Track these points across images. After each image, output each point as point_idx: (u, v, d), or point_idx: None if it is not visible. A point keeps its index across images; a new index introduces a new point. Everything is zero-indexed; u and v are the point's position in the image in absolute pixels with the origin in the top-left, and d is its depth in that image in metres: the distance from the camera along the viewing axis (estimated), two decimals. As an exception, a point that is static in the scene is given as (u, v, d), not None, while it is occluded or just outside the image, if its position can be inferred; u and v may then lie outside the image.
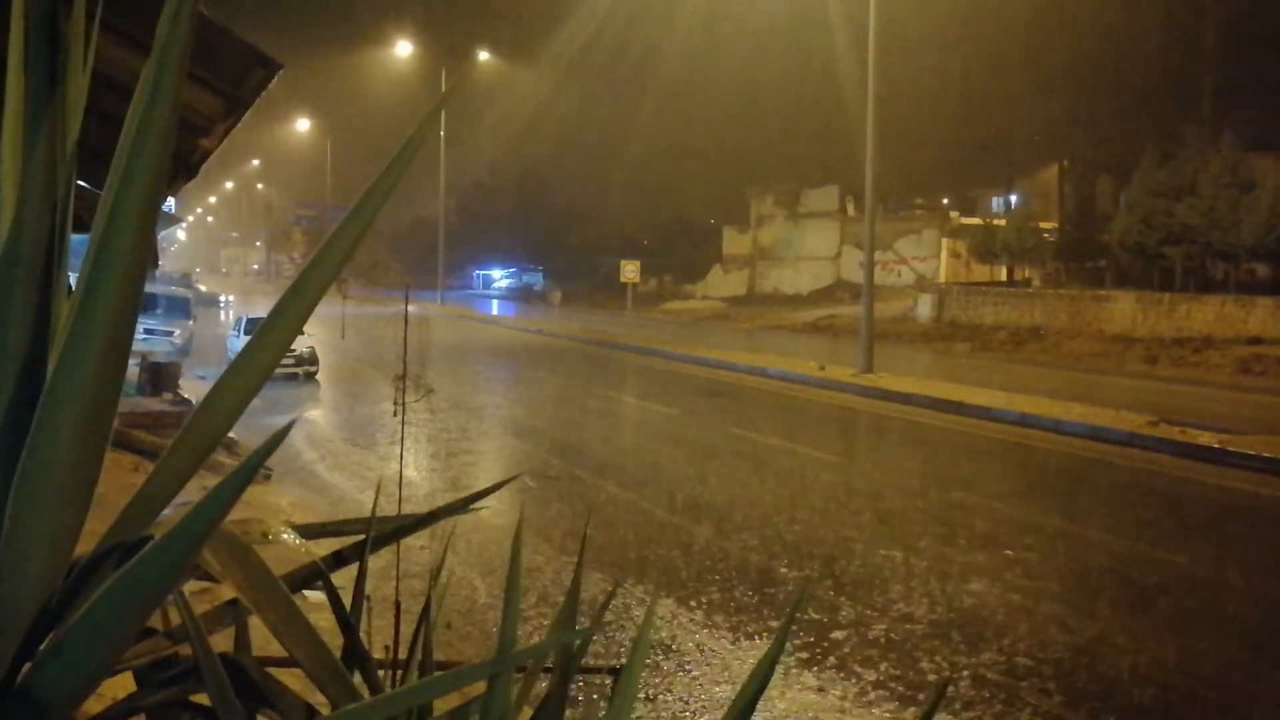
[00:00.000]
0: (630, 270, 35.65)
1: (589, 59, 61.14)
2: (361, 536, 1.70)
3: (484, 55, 55.53)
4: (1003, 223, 42.39)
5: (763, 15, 45.85)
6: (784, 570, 8.62)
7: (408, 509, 8.55)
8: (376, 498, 2.34)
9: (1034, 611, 7.65)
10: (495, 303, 62.85)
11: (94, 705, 1.38)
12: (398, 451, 9.06)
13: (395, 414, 9.39)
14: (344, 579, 1.69)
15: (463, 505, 1.84)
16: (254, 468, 1.13)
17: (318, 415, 17.50)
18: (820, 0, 34.12)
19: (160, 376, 15.36)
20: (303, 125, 70.46)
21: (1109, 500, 12.02)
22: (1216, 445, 14.03)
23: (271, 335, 1.35)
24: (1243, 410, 18.74)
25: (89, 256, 1.18)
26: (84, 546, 1.28)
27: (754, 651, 6.67)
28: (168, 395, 14.71)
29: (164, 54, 1.21)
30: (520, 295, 68.68)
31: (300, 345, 21.41)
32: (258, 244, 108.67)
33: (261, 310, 29.42)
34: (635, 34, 56.78)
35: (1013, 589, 8.16)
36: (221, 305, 50.25)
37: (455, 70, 48.86)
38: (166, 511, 1.33)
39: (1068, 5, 38.12)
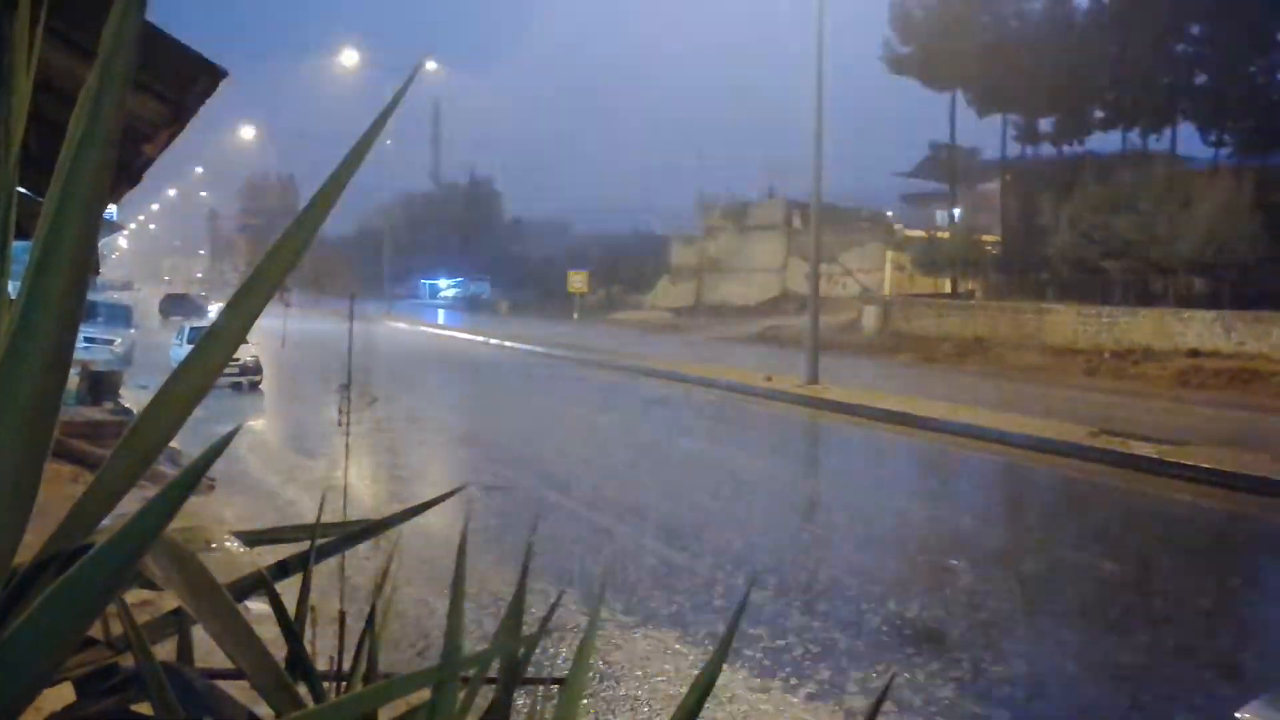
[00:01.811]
0: (578, 280, 35.75)
1: (540, 73, 61.21)
2: (306, 545, 1.70)
3: (432, 65, 55.27)
4: (946, 235, 42.91)
5: (713, 31, 46.16)
6: (728, 578, 8.65)
7: (353, 518, 8.43)
8: (321, 505, 2.32)
9: (976, 619, 7.75)
10: (442, 312, 62.47)
11: (32, 716, 1.36)
12: (342, 461, 9.00)
13: (340, 424, 9.31)
14: (289, 588, 1.68)
15: (409, 514, 1.85)
16: (196, 475, 1.13)
17: (262, 424, 17.29)
18: (770, 15, 34.39)
19: (101, 385, 15.09)
20: (248, 133, 69.70)
21: (1049, 510, 12.20)
22: (1156, 456, 14.29)
23: (215, 344, 1.34)
24: (1181, 421, 19.10)
25: (31, 265, 1.17)
26: (23, 558, 1.26)
27: (698, 659, 6.69)
28: (108, 404, 14.46)
29: (109, 61, 1.20)
30: (467, 304, 68.34)
31: (244, 354, 21.15)
32: (201, 252, 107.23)
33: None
34: (586, 50, 56.96)
35: (955, 598, 8.26)
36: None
37: (404, 80, 48.60)
38: (106, 521, 1.32)
39: (1011, 21, 38.75)
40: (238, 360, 20.87)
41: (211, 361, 1.35)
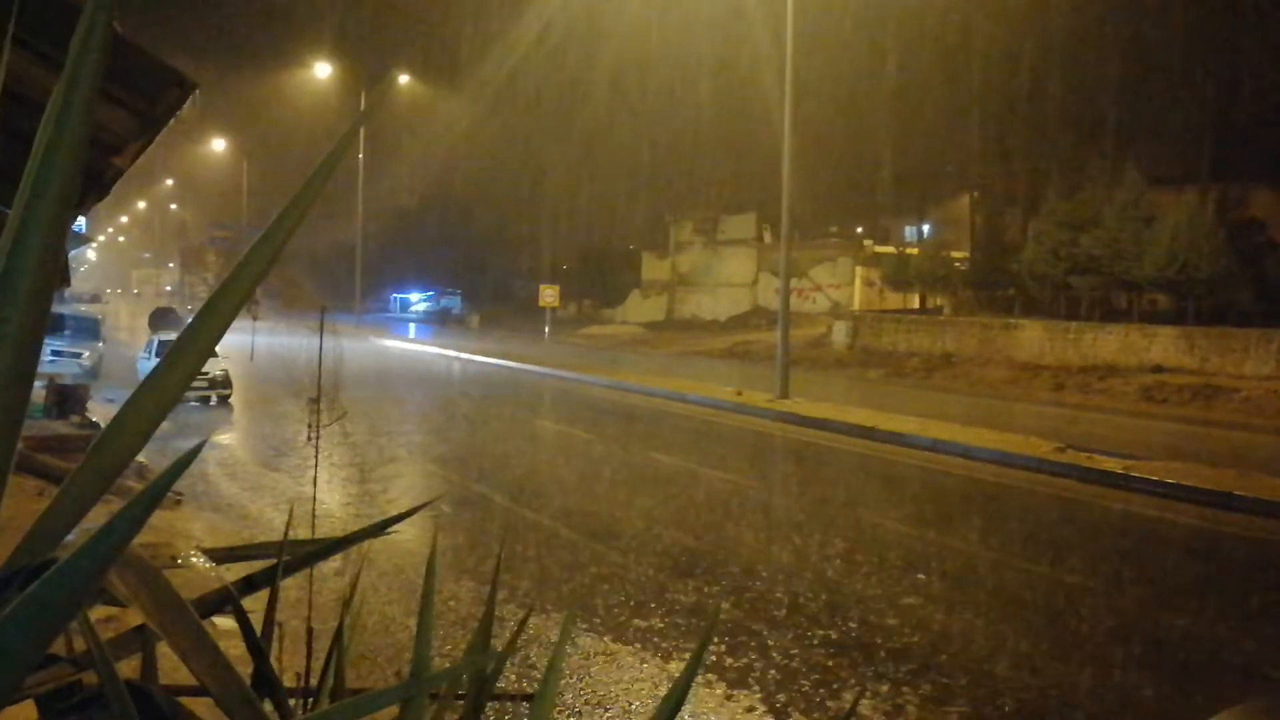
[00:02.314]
0: (549, 294, 35.74)
1: (512, 86, 61.17)
2: (273, 561, 1.68)
3: (404, 78, 55.18)
4: (915, 251, 43.24)
5: (684, 46, 46.38)
6: (700, 593, 8.65)
7: (322, 534, 8.43)
8: (289, 521, 2.30)
9: (946, 632, 7.78)
10: (412, 325, 62.24)
11: (-7, 734, 1.34)
12: (311, 475, 8.93)
13: (309, 438, 9.24)
14: (256, 604, 1.66)
15: (377, 529, 1.83)
16: (162, 490, 1.12)
17: (230, 438, 17.15)
18: (740, 33, 34.64)
19: (67, 399, 14.93)
20: (219, 145, 69.25)
21: (1016, 524, 12.27)
22: (1121, 471, 14.43)
23: (183, 357, 1.33)
24: (1146, 436, 19.30)
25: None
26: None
27: (668, 674, 6.68)
28: (75, 418, 14.30)
29: (76, 71, 1.19)
30: (438, 318, 68.12)
31: (213, 368, 21.00)
32: (170, 265, 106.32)
33: (174, 332, 28.73)
34: (559, 62, 56.97)
35: (922, 610, 8.29)
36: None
37: (375, 92, 48.49)
38: (71, 536, 1.30)
39: (977, 43, 39.18)
40: (206, 374, 20.72)
41: (179, 375, 1.33)
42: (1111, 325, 31.34)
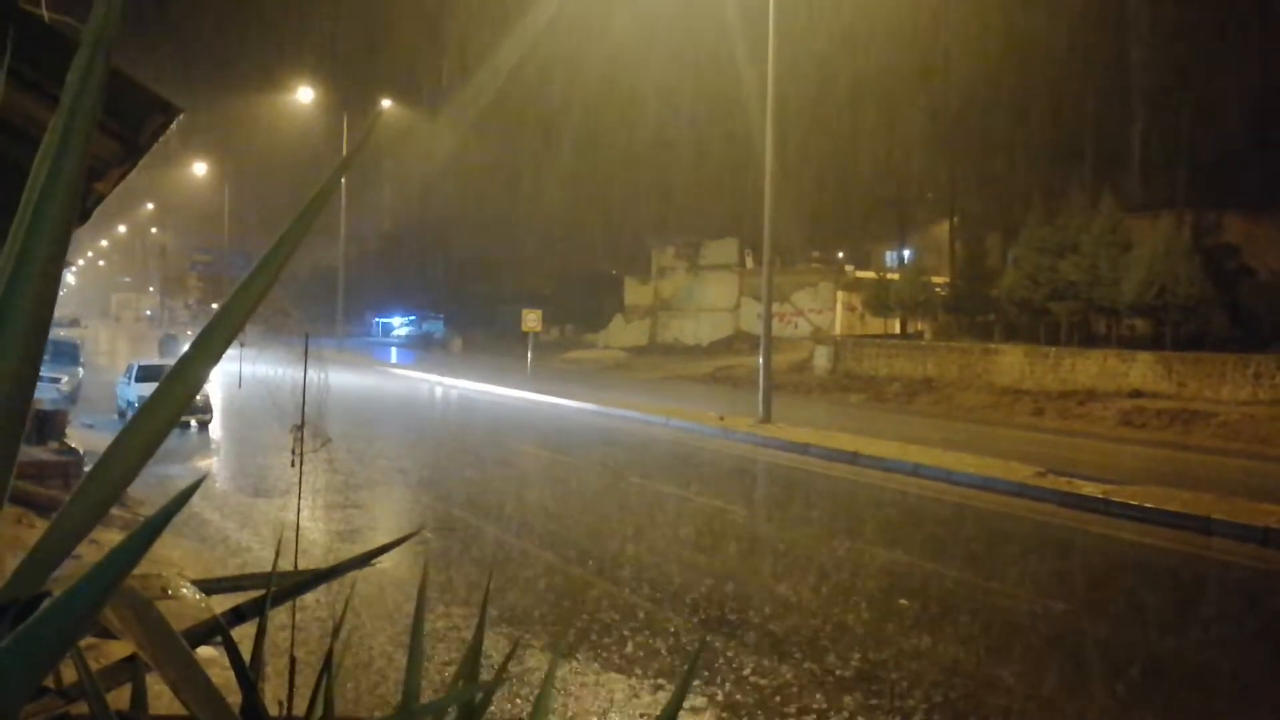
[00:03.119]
0: (532, 319, 35.64)
1: (494, 111, 61.27)
2: (262, 592, 1.68)
3: (387, 103, 55.24)
4: (896, 277, 43.41)
5: (667, 71, 46.63)
6: (685, 622, 8.63)
7: (307, 563, 8.37)
8: (277, 553, 2.29)
9: (929, 656, 7.79)
10: (394, 350, 62.08)
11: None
12: (294, 502, 8.88)
13: (292, 464, 9.18)
14: (244, 633, 1.66)
15: (363, 560, 1.84)
16: (160, 526, 1.12)
17: (212, 464, 17.05)
18: (722, 60, 34.86)
19: (46, 425, 14.80)
20: (200, 169, 69.09)
21: (997, 549, 12.30)
22: (1100, 495, 14.49)
23: (175, 386, 1.34)
24: (1124, 461, 19.41)
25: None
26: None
27: (657, 703, 6.66)
28: (53, 444, 14.18)
29: (75, 105, 1.20)
30: (420, 343, 67.95)
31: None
32: (150, 289, 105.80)
33: (152, 357, 28.45)
34: (541, 87, 57.18)
35: (904, 634, 8.30)
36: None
37: (360, 117, 48.53)
38: (61, 569, 1.31)
39: (959, 70, 39.56)
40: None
41: (172, 404, 1.34)
42: (1090, 350, 31.54)
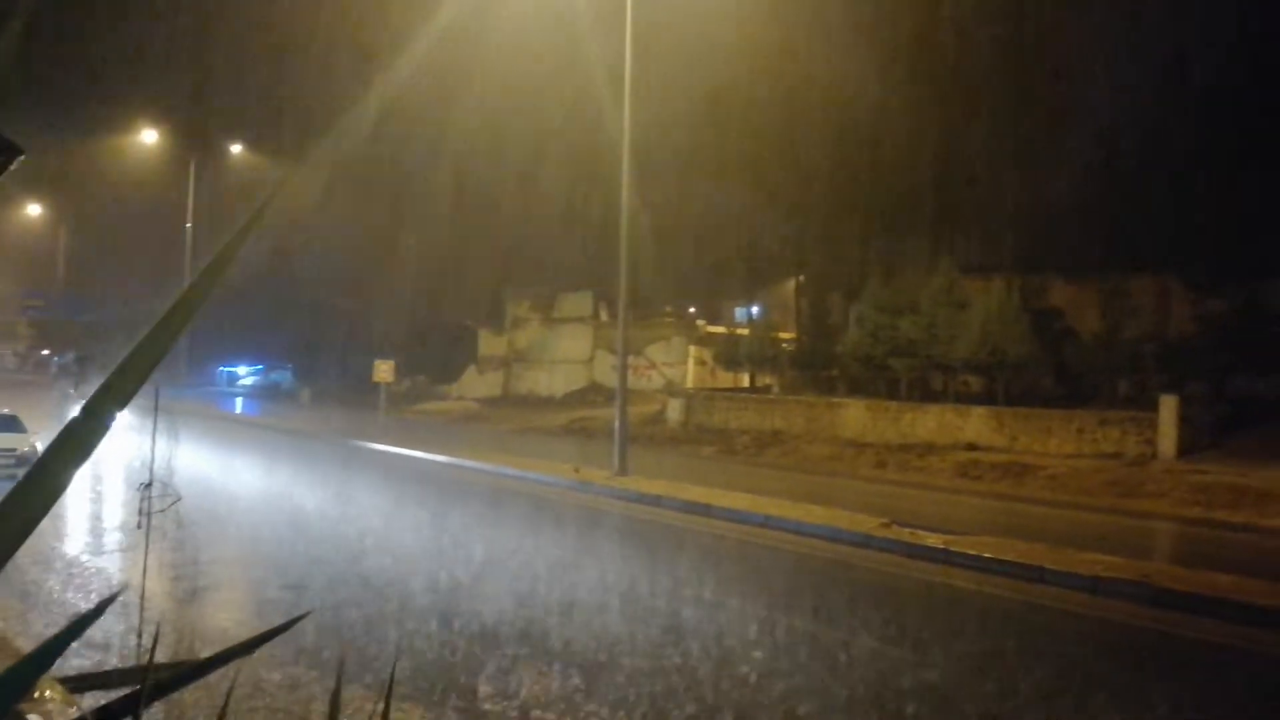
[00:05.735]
0: (384, 369, 35.20)
1: (351, 161, 60.46)
2: (136, 687, 1.54)
3: (237, 149, 54.07)
4: (745, 332, 44.45)
5: (525, 127, 47.00)
6: (537, 679, 8.72)
7: (166, 639, 8.09)
8: (154, 646, 2.07)
9: (775, 708, 8.05)
10: (240, 400, 60.21)
11: None
12: (139, 563, 8.62)
13: (139, 525, 8.90)
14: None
15: (248, 648, 1.67)
16: (53, 655, 1.09)
17: (45, 523, 16.28)
18: (581, 116, 35.41)
19: None
20: (33, 210, 65.99)
21: (844, 599, 12.75)
22: (941, 546, 15.16)
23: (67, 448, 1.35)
24: (963, 513, 20.30)
25: None
26: None
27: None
28: None
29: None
30: (267, 393, 66.03)
31: (20, 444, 19.98)
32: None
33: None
34: (401, 139, 56.74)
35: (751, 687, 8.56)
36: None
37: (210, 160, 47.29)
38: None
39: (808, 133, 41.06)
40: (13, 451, 19.69)
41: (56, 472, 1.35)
42: (929, 405, 32.87)
